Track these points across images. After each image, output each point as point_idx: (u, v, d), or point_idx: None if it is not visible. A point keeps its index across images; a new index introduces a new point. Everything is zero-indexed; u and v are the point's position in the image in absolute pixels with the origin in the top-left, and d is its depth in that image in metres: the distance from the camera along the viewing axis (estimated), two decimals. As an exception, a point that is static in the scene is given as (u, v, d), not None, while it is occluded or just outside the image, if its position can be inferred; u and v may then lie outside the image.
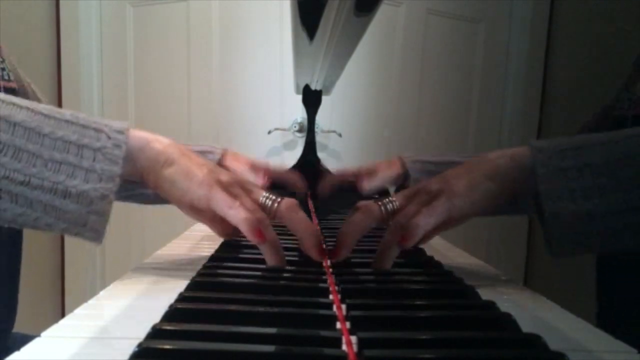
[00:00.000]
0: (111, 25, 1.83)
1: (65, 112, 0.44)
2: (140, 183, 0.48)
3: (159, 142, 0.47)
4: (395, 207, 0.47)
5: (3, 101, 0.42)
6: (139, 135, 0.46)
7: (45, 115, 0.42)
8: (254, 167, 0.81)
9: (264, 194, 0.47)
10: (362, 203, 0.49)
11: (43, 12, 1.74)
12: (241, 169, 0.80)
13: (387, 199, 0.48)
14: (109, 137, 0.43)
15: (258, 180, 0.80)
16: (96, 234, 0.43)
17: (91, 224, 0.43)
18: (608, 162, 0.42)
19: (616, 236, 0.42)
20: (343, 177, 0.84)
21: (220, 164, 0.79)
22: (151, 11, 1.80)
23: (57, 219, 0.42)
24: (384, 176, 0.79)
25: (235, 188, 0.46)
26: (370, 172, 0.80)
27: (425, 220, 0.44)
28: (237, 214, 0.44)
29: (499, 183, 0.46)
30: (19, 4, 1.69)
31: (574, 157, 0.43)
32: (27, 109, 0.42)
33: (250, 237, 0.44)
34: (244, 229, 0.44)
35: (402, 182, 0.80)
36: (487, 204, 0.46)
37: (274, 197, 0.47)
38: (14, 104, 0.42)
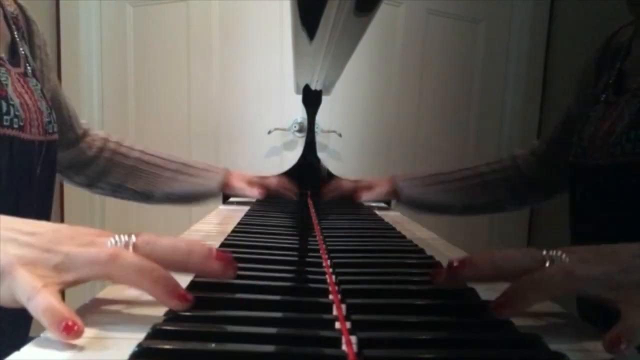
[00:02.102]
0: (111, 25, 1.83)
1: None
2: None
3: None
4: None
5: None
6: None
7: None
8: (250, 183, 0.95)
9: (112, 240, 0.36)
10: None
11: (43, 12, 1.73)
12: (241, 186, 0.94)
13: (558, 254, 0.38)
14: None
15: (253, 193, 0.94)
16: None
17: None
18: None
19: None
20: (344, 188, 0.99)
21: (225, 182, 0.93)
22: (151, 11, 1.80)
23: None
24: (379, 191, 0.96)
25: (49, 256, 0.33)
26: (369, 187, 0.96)
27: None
28: (37, 305, 0.31)
29: None
30: (19, 4, 1.69)
31: None
32: None
33: (59, 336, 0.30)
34: (45, 323, 0.31)
35: (394, 198, 0.97)
36: None
37: (125, 238, 0.36)
38: None
